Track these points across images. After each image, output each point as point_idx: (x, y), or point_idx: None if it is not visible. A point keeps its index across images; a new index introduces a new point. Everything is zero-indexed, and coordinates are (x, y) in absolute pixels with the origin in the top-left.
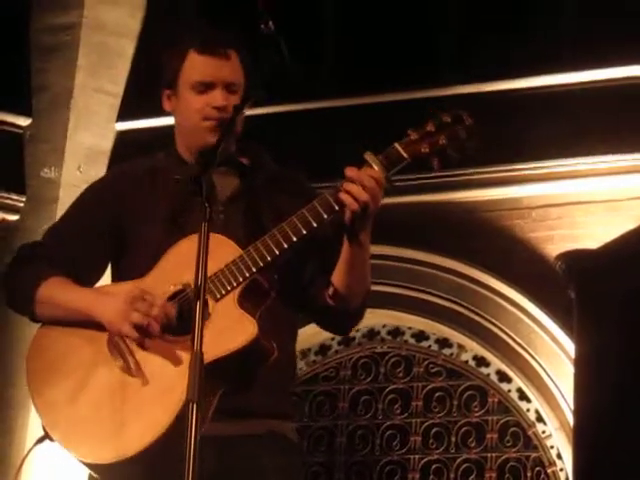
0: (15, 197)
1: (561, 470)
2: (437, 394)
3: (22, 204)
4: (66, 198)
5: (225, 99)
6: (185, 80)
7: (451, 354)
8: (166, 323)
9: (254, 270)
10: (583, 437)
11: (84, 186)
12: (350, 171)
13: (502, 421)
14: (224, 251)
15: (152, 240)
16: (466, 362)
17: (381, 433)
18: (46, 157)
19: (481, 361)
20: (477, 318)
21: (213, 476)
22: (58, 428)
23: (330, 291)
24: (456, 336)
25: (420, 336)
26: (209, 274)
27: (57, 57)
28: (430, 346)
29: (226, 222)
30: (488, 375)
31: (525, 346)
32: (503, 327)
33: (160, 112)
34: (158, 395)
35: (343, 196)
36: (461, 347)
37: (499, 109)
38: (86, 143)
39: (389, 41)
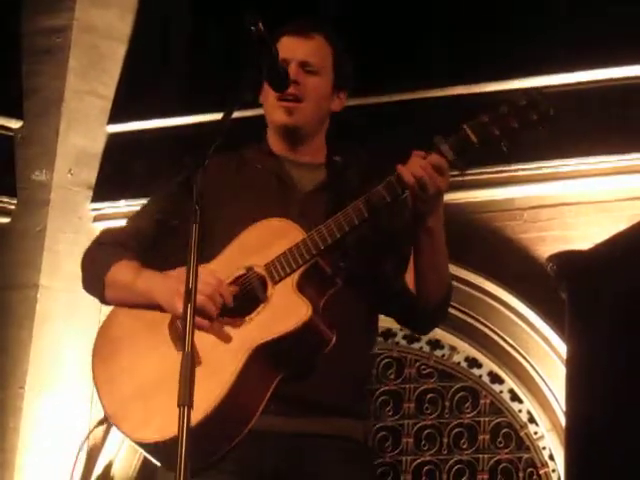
0: (6, 200)
1: (553, 471)
2: (429, 395)
3: (13, 207)
4: (57, 201)
5: (297, 74)
6: None
7: (443, 355)
8: (224, 305)
9: (314, 253)
10: (575, 438)
11: (75, 189)
12: (416, 155)
13: (494, 422)
14: (289, 235)
15: (229, 227)
16: (458, 363)
17: (373, 435)
18: (37, 160)
19: (473, 362)
20: (469, 319)
21: (272, 476)
22: (115, 409)
23: (406, 284)
24: (448, 337)
25: (411, 338)
26: (272, 258)
27: (48, 60)
28: (422, 348)
29: (302, 213)
30: (480, 376)
31: (517, 347)
32: (495, 328)
33: (151, 114)
34: (209, 375)
35: (406, 177)
36: (453, 349)
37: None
38: (77, 146)
39: (380, 42)
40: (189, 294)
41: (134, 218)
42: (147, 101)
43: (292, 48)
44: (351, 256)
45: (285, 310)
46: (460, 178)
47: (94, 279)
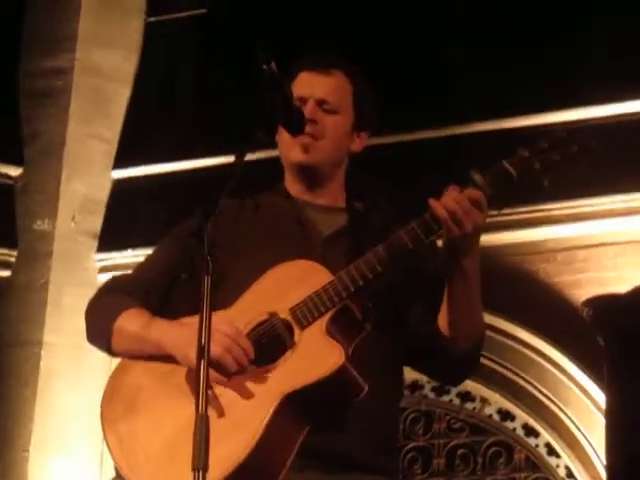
0: (6, 251)
1: None
2: (460, 451)
3: (14, 259)
4: (61, 251)
5: (313, 113)
6: None
7: (474, 408)
8: (244, 357)
9: (344, 295)
10: None
11: (80, 238)
12: (451, 190)
13: (530, 478)
14: (314, 278)
15: (246, 274)
16: (490, 416)
17: None
18: (39, 208)
19: (506, 415)
20: (500, 369)
21: None
22: (130, 466)
23: (437, 329)
24: (479, 389)
25: (440, 390)
26: (297, 301)
27: (48, 103)
28: (451, 400)
29: (324, 258)
30: (514, 430)
31: (552, 398)
32: (528, 378)
33: (158, 158)
34: (232, 430)
35: (439, 211)
36: (484, 401)
37: (519, 146)
38: (81, 193)
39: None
40: (202, 351)
41: (142, 267)
42: (153, 144)
43: (309, 85)
44: (380, 299)
45: (316, 355)
46: (496, 218)
47: (100, 328)
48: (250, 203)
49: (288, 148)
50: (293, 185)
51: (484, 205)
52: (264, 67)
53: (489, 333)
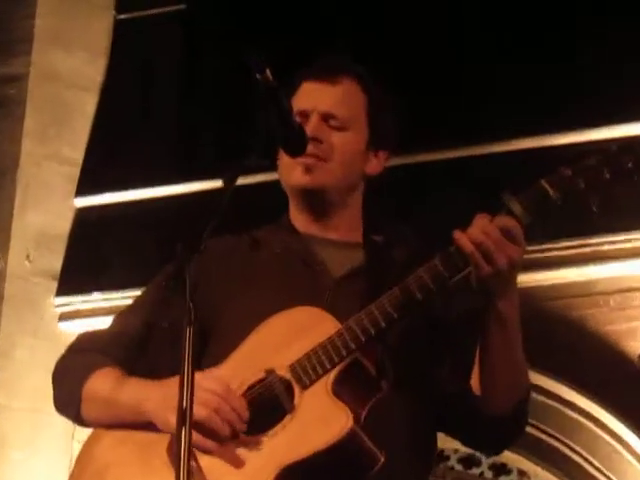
0: None
1: None
2: None
3: None
4: (13, 295)
5: (317, 130)
6: None
7: None
8: (236, 419)
9: (353, 347)
10: None
11: (35, 279)
12: (480, 219)
13: None
14: (319, 327)
15: (240, 324)
16: None
17: None
18: None
19: None
20: (542, 436)
21: None
22: None
23: (470, 388)
24: (515, 460)
25: (470, 461)
26: (298, 356)
27: None
28: (482, 473)
29: (334, 305)
30: None
31: (604, 470)
32: (575, 446)
33: (130, 183)
34: None
35: (465, 245)
36: (522, 474)
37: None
38: (37, 224)
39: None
40: (183, 415)
41: (117, 319)
42: (125, 166)
43: (313, 96)
44: (399, 351)
45: (319, 421)
46: (535, 255)
47: (67, 394)
48: (247, 239)
49: (288, 170)
50: (298, 216)
51: (519, 236)
52: (257, 76)
53: None
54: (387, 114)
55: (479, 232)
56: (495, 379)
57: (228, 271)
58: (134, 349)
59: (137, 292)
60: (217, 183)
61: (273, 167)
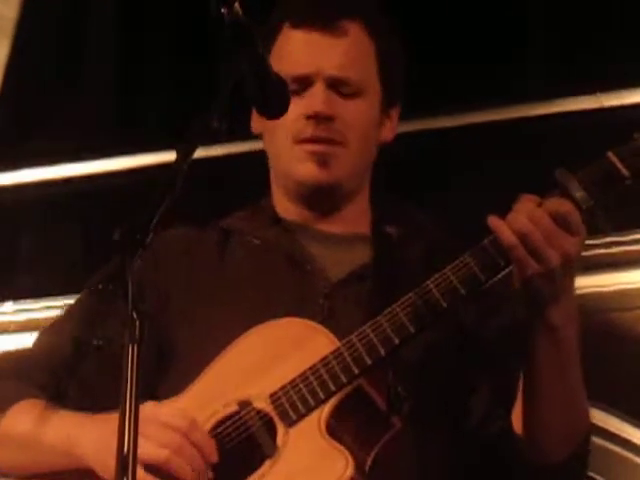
0: None
1: None
2: None
3: None
4: None
5: (327, 104)
6: None
7: None
8: (200, 460)
9: (356, 372)
10: None
11: None
12: (525, 202)
13: None
14: (312, 346)
15: (207, 342)
16: None
17: None
18: None
19: None
20: None
21: None
22: None
23: (511, 429)
24: None
25: None
26: (283, 383)
27: None
28: None
29: (330, 316)
30: None
31: None
32: None
33: (54, 157)
34: None
35: (505, 236)
36: None
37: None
38: None
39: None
40: (123, 461)
41: (42, 337)
42: (47, 134)
43: (313, 55)
44: (417, 378)
45: (308, 470)
46: (602, 250)
47: None
48: (214, 231)
49: (289, 156)
50: (285, 203)
51: (578, 225)
52: (222, 11)
53: None
54: (399, 61)
55: (524, 219)
56: (544, 416)
57: (190, 273)
58: (66, 375)
59: (61, 302)
60: (168, 156)
61: (243, 135)
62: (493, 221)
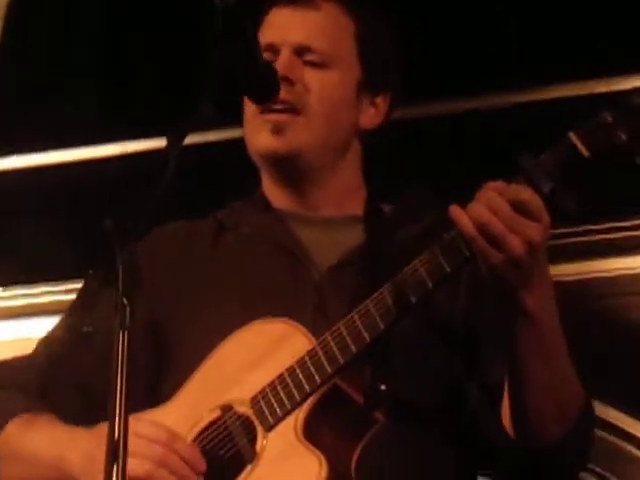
0: None
1: None
2: None
3: None
4: None
5: (287, 67)
6: None
7: None
8: (186, 471)
9: (329, 371)
10: None
11: None
12: (486, 190)
13: None
14: (291, 345)
15: (199, 340)
16: None
17: None
18: None
19: None
20: None
21: None
22: None
23: (505, 416)
24: None
25: None
26: (264, 384)
27: None
28: None
29: (322, 307)
30: None
31: None
32: None
33: (39, 143)
34: None
35: (466, 230)
36: None
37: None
38: None
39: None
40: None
41: (45, 340)
42: (31, 120)
43: (283, 25)
44: (397, 372)
45: (284, 473)
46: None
47: None
48: (212, 223)
49: (253, 130)
50: (273, 189)
51: (539, 209)
52: None
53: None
54: (385, 46)
55: (483, 208)
56: (532, 401)
57: (185, 269)
58: (61, 372)
59: (46, 288)
60: (158, 142)
61: (235, 121)
62: (454, 211)
